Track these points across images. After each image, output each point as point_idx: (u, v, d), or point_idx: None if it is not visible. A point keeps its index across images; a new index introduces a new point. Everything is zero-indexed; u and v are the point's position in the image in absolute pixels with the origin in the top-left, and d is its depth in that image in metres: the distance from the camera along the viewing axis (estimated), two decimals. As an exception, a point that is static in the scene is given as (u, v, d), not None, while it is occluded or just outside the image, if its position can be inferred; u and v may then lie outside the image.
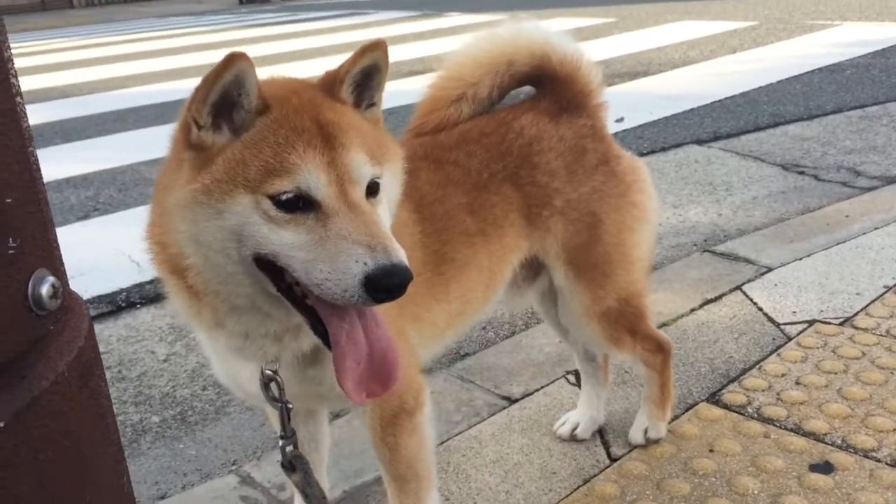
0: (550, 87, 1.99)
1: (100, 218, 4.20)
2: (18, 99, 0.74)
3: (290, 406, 1.51)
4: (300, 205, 1.21)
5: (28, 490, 0.74)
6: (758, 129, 5.64)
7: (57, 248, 0.79)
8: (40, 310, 0.75)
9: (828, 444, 2.16)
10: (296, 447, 1.57)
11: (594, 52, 2.12)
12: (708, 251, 3.55)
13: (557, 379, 2.63)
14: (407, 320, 1.69)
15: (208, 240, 1.24)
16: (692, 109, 6.20)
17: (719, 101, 6.43)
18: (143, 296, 3.49)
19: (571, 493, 2.07)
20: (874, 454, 2.09)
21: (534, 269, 2.03)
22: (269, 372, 1.47)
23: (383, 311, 1.56)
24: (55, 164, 5.28)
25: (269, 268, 1.26)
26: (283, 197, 1.20)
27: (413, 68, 8.56)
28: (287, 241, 1.21)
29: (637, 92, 6.70)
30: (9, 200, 0.70)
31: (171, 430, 2.56)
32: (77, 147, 5.94)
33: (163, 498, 2.22)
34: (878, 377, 2.45)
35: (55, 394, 0.78)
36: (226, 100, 1.23)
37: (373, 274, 1.16)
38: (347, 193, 1.24)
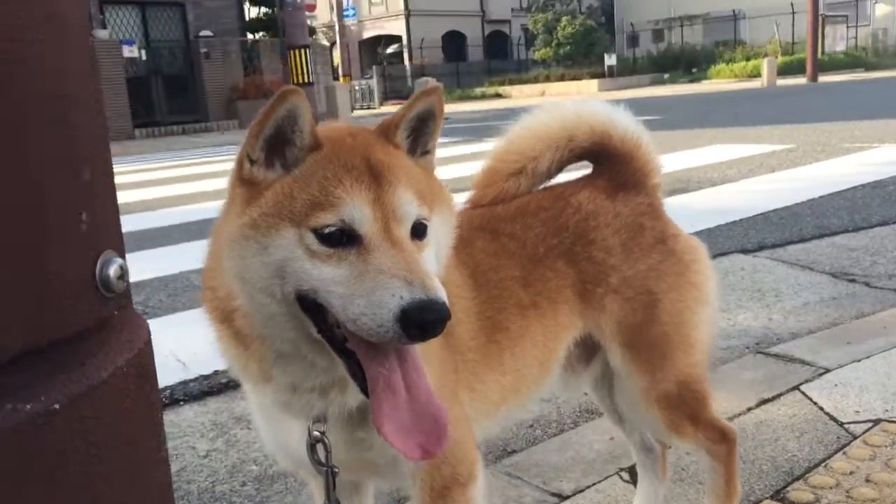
0: (609, 164, 2.00)
1: (149, 320, 4.22)
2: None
3: (337, 471, 1.45)
4: (343, 240, 1.21)
5: (77, 482, 0.71)
6: (803, 240, 5.59)
7: (122, 242, 0.79)
8: (107, 291, 0.75)
9: (907, 542, 2.01)
10: (338, 521, 1.49)
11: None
12: (761, 353, 3.44)
13: (610, 476, 2.50)
14: (462, 387, 1.64)
15: (253, 277, 1.24)
16: (735, 222, 6.19)
17: (762, 213, 6.42)
18: (186, 393, 3.47)
19: (631, 591, 1.93)
20: (960, 552, 1.93)
21: (588, 349, 1.98)
22: (316, 433, 1.42)
23: (439, 375, 1.53)
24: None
25: (311, 308, 1.24)
26: (327, 230, 1.21)
27: (455, 186, 8.74)
28: (327, 275, 1.20)
29: (676, 206, 6.69)
30: (87, 175, 0.71)
31: (209, 525, 2.48)
32: (130, 259, 6.09)
33: None
34: (954, 475, 2.30)
35: (113, 388, 0.76)
36: (279, 135, 1.26)
37: (409, 307, 1.13)
38: (391, 230, 1.23)
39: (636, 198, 1.95)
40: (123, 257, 0.78)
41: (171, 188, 10.81)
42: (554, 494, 2.42)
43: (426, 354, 1.48)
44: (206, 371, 3.68)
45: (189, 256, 6.01)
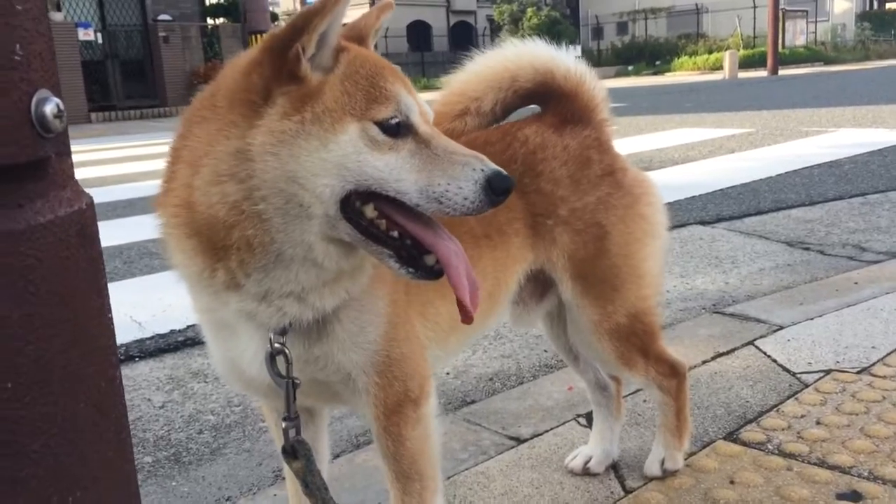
0: (555, 103, 2.00)
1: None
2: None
3: (298, 382, 1.44)
4: (400, 131, 1.28)
5: (14, 323, 0.69)
6: (760, 212, 5.69)
7: (58, 84, 0.77)
8: (44, 130, 0.73)
9: (854, 475, 2.05)
10: (298, 432, 1.48)
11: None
12: (717, 312, 3.50)
13: (567, 421, 2.53)
14: (415, 312, 1.64)
15: (305, 176, 1.24)
16: (694, 196, 6.27)
17: (721, 189, 6.52)
18: (142, 350, 3.43)
19: (585, 521, 1.95)
20: (905, 482, 1.98)
21: (541, 285, 1.98)
22: (277, 345, 1.40)
23: (390, 292, 1.53)
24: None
25: (351, 209, 1.27)
26: (393, 121, 1.27)
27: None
28: (394, 165, 1.26)
29: (639, 183, 6.79)
30: (19, 7, 0.69)
31: (164, 469, 2.45)
32: (85, 230, 6.00)
33: (152, 531, 2.10)
34: (902, 417, 2.36)
35: (53, 236, 0.74)
36: (327, 32, 1.26)
37: (492, 177, 1.27)
38: (429, 123, 1.34)
39: (583, 131, 1.95)
40: (59, 98, 0.75)
41: (129, 166, 10.64)
42: (512, 438, 2.44)
43: (379, 270, 1.47)
44: (163, 330, 3.64)
45: (146, 227, 5.95)
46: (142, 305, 3.95)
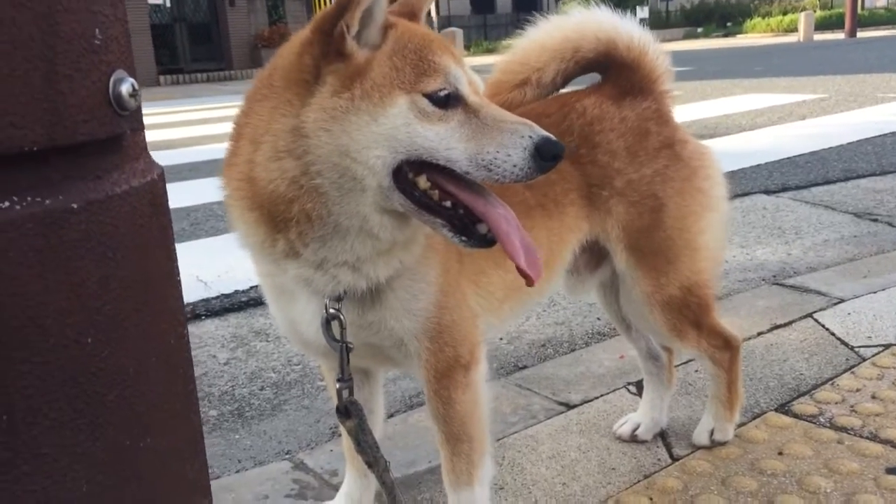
0: (616, 73, 1.99)
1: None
2: None
3: (352, 347, 1.50)
4: (449, 102, 1.32)
5: (94, 284, 0.76)
6: (828, 182, 5.54)
7: (133, 64, 0.83)
8: (120, 108, 0.79)
9: (907, 451, 2.04)
10: (351, 393, 1.55)
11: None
12: (777, 284, 3.46)
13: (618, 389, 2.56)
14: (467, 280, 1.68)
15: (358, 149, 1.28)
16: (759, 165, 6.13)
17: (788, 157, 6.36)
18: (208, 309, 3.57)
19: (631, 486, 1.99)
20: (959, 459, 1.96)
21: (595, 255, 2.00)
22: (332, 310, 1.47)
23: (443, 261, 1.58)
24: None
25: (404, 180, 1.32)
26: (442, 93, 1.31)
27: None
28: (444, 134, 1.30)
29: (702, 151, 6.67)
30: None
31: (228, 422, 2.57)
32: (154, 192, 6.19)
33: (216, 479, 2.21)
34: (961, 395, 2.32)
35: (128, 205, 0.81)
36: (370, 9, 1.30)
37: (541, 144, 1.30)
38: (478, 94, 1.37)
39: (643, 103, 1.94)
40: (134, 77, 0.82)
41: (195, 129, 10.89)
42: (561, 403, 2.48)
43: (431, 239, 1.52)
44: (227, 290, 3.78)
45: (211, 189, 6.09)
46: (207, 266, 4.10)
